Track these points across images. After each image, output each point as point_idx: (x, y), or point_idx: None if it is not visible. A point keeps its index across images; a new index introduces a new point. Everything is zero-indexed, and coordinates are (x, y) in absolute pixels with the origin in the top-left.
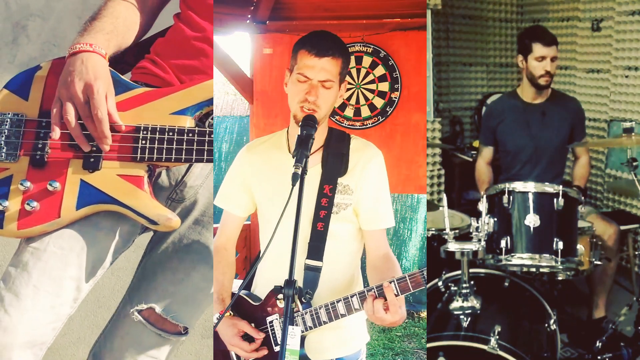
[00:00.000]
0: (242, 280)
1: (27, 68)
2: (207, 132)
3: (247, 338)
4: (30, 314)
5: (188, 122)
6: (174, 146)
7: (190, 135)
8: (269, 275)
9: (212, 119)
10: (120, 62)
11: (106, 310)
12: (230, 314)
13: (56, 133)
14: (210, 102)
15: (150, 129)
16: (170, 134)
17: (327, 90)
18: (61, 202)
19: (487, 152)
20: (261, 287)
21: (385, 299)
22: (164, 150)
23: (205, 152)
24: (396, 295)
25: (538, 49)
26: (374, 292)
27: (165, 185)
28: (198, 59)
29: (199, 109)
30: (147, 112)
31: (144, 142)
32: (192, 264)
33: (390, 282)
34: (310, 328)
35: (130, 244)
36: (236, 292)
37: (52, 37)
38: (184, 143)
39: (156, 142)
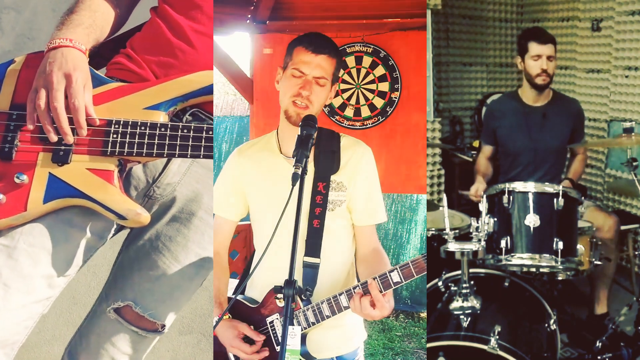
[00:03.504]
0: (239, 281)
1: (0, 62)
2: (180, 127)
3: (248, 340)
4: (0, 313)
5: (161, 117)
6: (145, 141)
7: (162, 130)
8: (264, 276)
9: (190, 115)
10: (96, 55)
11: (82, 308)
12: (229, 316)
13: (31, 124)
14: (185, 97)
15: (122, 123)
16: (142, 128)
17: (320, 87)
18: (28, 196)
19: (488, 150)
20: (255, 289)
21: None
22: (135, 145)
23: (178, 147)
24: (399, 283)
25: (533, 47)
26: (360, 289)
27: (142, 181)
28: (174, 54)
29: (173, 104)
30: (120, 107)
31: (115, 136)
32: (170, 261)
33: (374, 279)
34: (313, 324)
35: (104, 241)
36: (232, 296)
37: (26, 31)
38: (156, 138)
39: (127, 136)
